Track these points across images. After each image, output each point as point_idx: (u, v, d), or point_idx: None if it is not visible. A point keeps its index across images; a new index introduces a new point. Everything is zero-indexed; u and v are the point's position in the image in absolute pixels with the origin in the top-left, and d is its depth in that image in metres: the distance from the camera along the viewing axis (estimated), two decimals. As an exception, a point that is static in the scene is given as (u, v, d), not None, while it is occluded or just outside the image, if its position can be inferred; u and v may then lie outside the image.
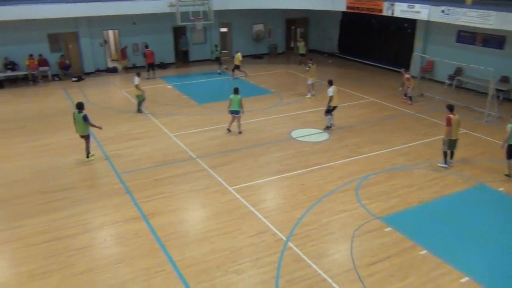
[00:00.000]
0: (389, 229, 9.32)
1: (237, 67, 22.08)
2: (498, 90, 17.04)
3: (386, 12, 20.64)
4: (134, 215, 9.85)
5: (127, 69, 24.04)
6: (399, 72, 22.46)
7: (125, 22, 23.45)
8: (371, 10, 21.34)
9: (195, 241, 8.93)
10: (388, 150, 13.44)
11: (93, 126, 12.46)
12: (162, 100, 18.52)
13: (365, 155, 13.04)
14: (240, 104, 14.39)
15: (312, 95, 18.86)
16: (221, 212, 10.01)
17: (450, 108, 11.99)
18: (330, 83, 14.97)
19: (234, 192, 10.86)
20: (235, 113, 14.52)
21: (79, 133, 12.47)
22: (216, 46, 24.35)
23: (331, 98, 14.71)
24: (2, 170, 12.21)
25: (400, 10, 19.99)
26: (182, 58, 25.76)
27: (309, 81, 18.78)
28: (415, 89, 18.37)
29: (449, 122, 11.75)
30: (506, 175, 11.71)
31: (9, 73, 21.30)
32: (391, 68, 23.82)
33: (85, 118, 12.20)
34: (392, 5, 20.23)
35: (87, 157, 12.64)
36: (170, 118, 16.32)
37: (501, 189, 11.08)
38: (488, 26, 16.80)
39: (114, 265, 8.21)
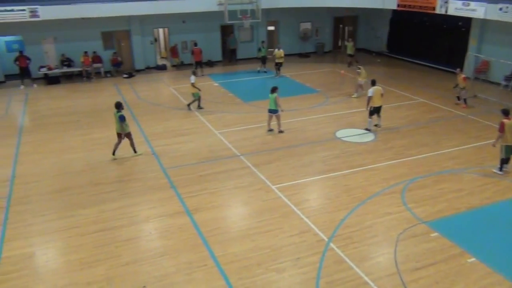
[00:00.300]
0: (435, 234, 9.02)
1: (278, 65, 22.04)
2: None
3: (439, 10, 19.89)
4: (179, 210, 10.09)
5: (177, 66, 24.59)
6: (451, 72, 21.67)
7: (175, 21, 24.01)
8: (423, 8, 20.66)
9: (237, 238, 9.03)
10: (437, 152, 13.00)
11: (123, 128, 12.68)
12: (208, 98, 18.81)
13: (412, 157, 12.68)
14: (277, 103, 14.26)
15: (358, 95, 18.52)
16: (264, 210, 10.06)
17: (505, 113, 11.33)
18: (373, 83, 14.60)
19: (277, 191, 10.87)
20: (272, 112, 14.50)
21: (116, 131, 12.78)
22: (263, 42, 24.16)
23: (369, 98, 14.35)
24: (57, 161, 12.85)
25: (455, 8, 19.21)
26: (230, 56, 26.02)
27: (361, 82, 18.43)
28: (468, 91, 17.59)
29: (502, 128, 11.15)
30: None
31: (65, 69, 22.38)
32: (442, 68, 22.99)
33: (121, 118, 12.47)
34: (446, 2, 19.49)
35: (135, 151, 13.04)
36: (215, 115, 16.57)
37: (560, 197, 10.45)
38: (550, 25, 15.88)
39: (158, 258, 8.45)
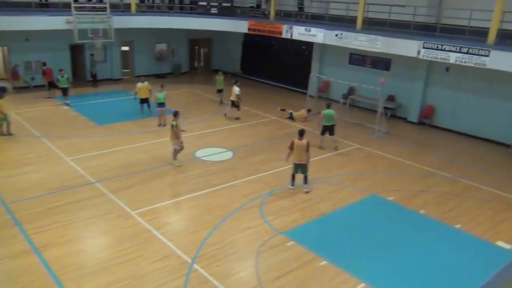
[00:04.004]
0: (291, 243, 9.63)
1: (144, 102, 18.50)
2: (386, 108, 18.66)
3: (285, 35, 21.67)
4: (24, 249, 9.02)
5: (18, 88, 22.22)
6: (298, 91, 23.65)
7: (16, 39, 21.75)
8: (271, 33, 22.26)
9: (94, 272, 8.43)
10: (290, 166, 13.84)
11: None
12: (57, 122, 17.38)
13: (268, 172, 13.42)
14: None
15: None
16: (123, 238, 9.60)
17: (300, 133, 11.95)
18: (236, 82, 18.44)
19: (136, 217, 10.48)
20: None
21: None
22: (61, 71, 19.95)
23: (236, 95, 18.12)
24: None
25: (298, 33, 21.12)
26: (93, 81, 23.98)
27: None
28: (302, 109, 19.33)
29: (291, 146, 11.88)
30: (320, 147, 15.30)
31: None
32: (290, 88, 24.94)
33: None
34: (290, 28, 21.31)
35: None
36: (66, 140, 15.35)
37: (390, 198, 12.05)
38: (376, 50, 18.40)
39: (0, 306, 7.45)
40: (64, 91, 19.79)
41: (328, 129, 15.38)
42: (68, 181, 12.23)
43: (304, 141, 11.79)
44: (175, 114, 13.38)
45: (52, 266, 8.51)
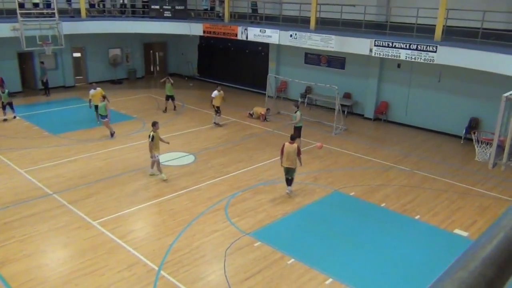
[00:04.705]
0: (258, 243, 9.66)
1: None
2: (343, 105, 19.09)
3: (240, 37, 21.72)
4: (-20, 267, 8.60)
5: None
6: (256, 92, 23.76)
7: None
8: (227, 35, 22.26)
9: (56, 286, 8.12)
10: (253, 167, 14.01)
11: None
12: (7, 133, 16.64)
13: (231, 174, 13.40)
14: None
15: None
16: (86, 249, 9.30)
17: (292, 137, 11.94)
18: (217, 88, 18.23)
19: (98, 226, 10.19)
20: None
21: None
22: (1, 86, 18.69)
23: (212, 99, 17.89)
24: None
25: (254, 35, 21.22)
26: (44, 90, 22.99)
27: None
28: (273, 108, 19.55)
29: (281, 150, 11.80)
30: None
31: None
32: (248, 89, 25.04)
33: None
34: (245, 29, 21.38)
35: None
36: (19, 152, 14.72)
37: (352, 194, 12.33)
38: (330, 49, 18.77)
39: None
40: (8, 105, 18.38)
41: (300, 130, 15.26)
42: (24, 194, 11.72)
43: (294, 145, 11.67)
44: (154, 124, 12.84)
45: (11, 283, 8.13)
